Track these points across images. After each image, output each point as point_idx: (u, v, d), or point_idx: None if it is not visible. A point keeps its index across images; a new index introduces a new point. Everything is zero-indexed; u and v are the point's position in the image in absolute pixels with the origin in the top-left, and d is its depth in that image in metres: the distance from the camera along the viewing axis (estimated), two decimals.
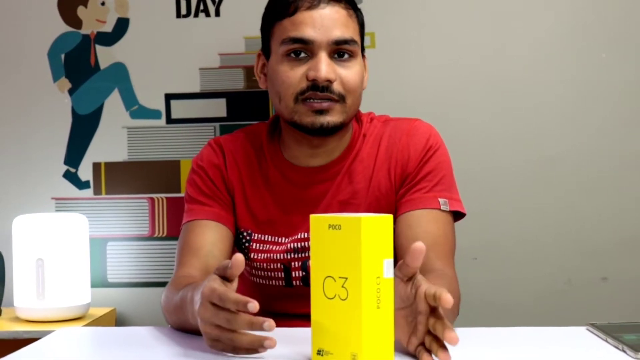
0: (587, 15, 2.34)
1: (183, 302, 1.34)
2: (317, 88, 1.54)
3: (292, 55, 1.57)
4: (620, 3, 2.33)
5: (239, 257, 1.17)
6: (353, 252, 1.10)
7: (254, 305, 1.11)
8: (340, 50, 1.57)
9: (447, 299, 1.07)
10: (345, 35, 1.56)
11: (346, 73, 1.57)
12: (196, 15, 2.41)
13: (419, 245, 1.11)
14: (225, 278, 1.20)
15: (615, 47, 2.34)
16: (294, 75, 1.56)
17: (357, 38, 1.60)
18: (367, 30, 2.21)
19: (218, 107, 2.41)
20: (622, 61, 2.33)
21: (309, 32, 1.55)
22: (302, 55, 1.56)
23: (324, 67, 1.54)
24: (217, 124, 2.41)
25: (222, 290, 1.15)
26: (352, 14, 1.61)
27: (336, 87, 1.55)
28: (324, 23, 1.55)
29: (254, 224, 1.67)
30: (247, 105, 2.40)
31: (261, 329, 1.12)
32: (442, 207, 1.58)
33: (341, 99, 1.56)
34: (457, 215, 1.63)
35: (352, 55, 1.58)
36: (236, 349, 1.16)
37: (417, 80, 2.37)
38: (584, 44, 2.34)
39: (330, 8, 1.57)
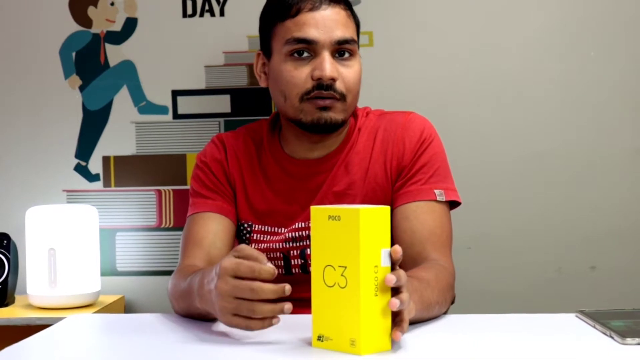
0: (576, 15, 2.34)
1: (190, 287, 1.34)
2: (322, 87, 1.54)
3: (296, 55, 1.56)
4: (609, 4, 2.33)
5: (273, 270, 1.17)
6: (352, 242, 1.10)
7: (289, 287, 1.15)
8: (341, 50, 1.57)
9: (388, 279, 1.09)
10: (346, 35, 1.56)
11: (347, 72, 1.57)
12: (201, 15, 2.41)
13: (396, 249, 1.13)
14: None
15: (604, 45, 2.33)
16: (299, 75, 1.56)
17: (355, 38, 1.61)
18: (365, 29, 2.21)
19: (222, 103, 2.41)
20: (610, 59, 2.33)
21: (312, 33, 1.55)
22: (306, 54, 1.56)
23: (328, 66, 1.54)
24: (221, 119, 2.40)
25: (249, 263, 1.16)
26: (350, 14, 1.61)
27: (338, 85, 1.55)
28: (326, 24, 1.55)
29: (254, 216, 1.67)
30: (250, 101, 2.40)
31: (283, 293, 1.14)
32: (438, 198, 1.57)
33: (342, 97, 1.56)
34: (454, 204, 1.63)
35: (352, 54, 1.59)
36: (252, 323, 1.17)
37: (413, 77, 2.36)
38: (573, 42, 2.34)
39: (332, 9, 1.57)
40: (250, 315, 1.16)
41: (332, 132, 1.61)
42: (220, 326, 1.33)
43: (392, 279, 1.09)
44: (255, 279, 1.15)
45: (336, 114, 1.57)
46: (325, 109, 1.55)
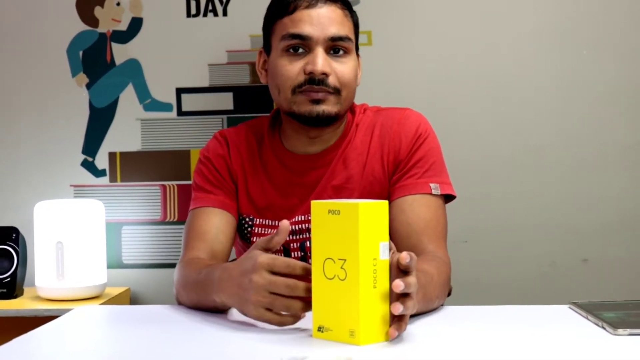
0: (569, 15, 2.34)
1: (208, 280, 1.33)
2: (314, 81, 1.54)
3: (291, 50, 1.57)
4: (601, 4, 2.33)
5: (285, 223, 1.20)
6: (351, 236, 1.10)
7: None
8: (335, 47, 1.57)
9: (403, 256, 1.09)
10: (340, 32, 1.57)
11: (341, 68, 1.57)
12: (205, 14, 2.41)
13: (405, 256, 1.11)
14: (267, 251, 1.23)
15: (595, 45, 2.33)
16: (293, 69, 1.56)
17: (351, 36, 1.60)
18: (364, 28, 2.20)
19: (225, 101, 2.40)
20: (601, 58, 2.33)
21: (307, 29, 1.55)
22: (300, 50, 1.56)
23: (320, 61, 1.54)
24: (224, 116, 2.40)
25: (284, 259, 1.17)
26: (347, 14, 1.61)
27: (331, 80, 1.55)
28: (321, 21, 1.56)
29: (255, 210, 1.67)
30: (252, 98, 2.39)
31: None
32: (434, 192, 1.57)
33: (336, 91, 1.56)
34: (449, 198, 1.63)
35: (346, 52, 1.58)
36: (285, 320, 1.18)
37: (411, 75, 2.36)
38: (566, 41, 2.34)
39: (327, 7, 1.57)
40: (285, 311, 1.17)
41: (327, 125, 1.61)
42: (223, 317, 1.33)
43: (399, 285, 1.07)
44: (290, 275, 1.16)
45: (329, 107, 1.56)
46: (317, 102, 1.56)
